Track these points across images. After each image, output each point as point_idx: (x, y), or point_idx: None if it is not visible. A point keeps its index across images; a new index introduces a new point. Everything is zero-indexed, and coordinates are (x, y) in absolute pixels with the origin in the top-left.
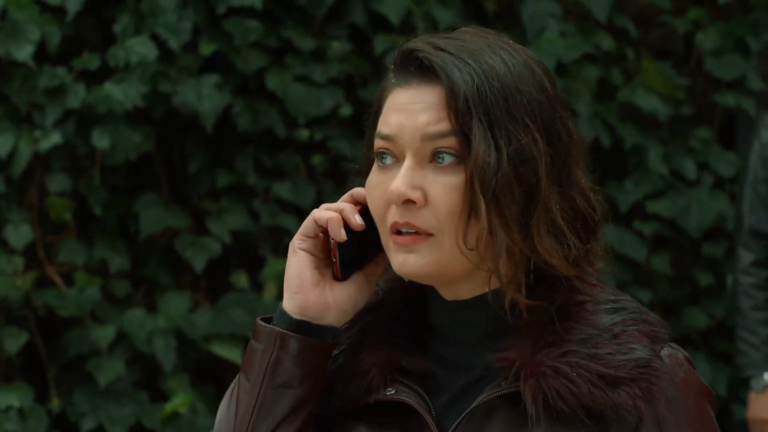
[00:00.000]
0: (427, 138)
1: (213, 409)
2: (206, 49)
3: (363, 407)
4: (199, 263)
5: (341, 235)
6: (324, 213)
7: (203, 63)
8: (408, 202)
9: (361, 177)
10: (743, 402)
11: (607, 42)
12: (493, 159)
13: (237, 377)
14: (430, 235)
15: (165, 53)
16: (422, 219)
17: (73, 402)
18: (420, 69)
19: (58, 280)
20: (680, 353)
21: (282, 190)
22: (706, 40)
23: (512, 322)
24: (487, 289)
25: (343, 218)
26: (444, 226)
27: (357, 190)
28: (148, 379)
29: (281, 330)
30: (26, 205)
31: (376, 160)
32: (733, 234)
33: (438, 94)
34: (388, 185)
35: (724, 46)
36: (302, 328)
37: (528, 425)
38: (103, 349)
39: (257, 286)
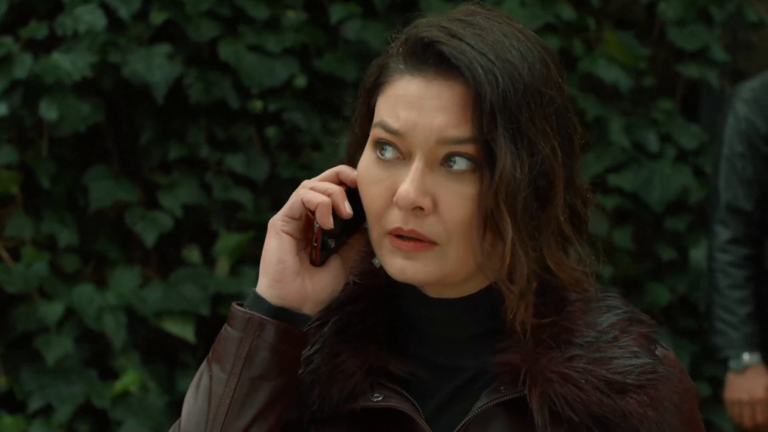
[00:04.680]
0: (443, 141)
1: (164, 387)
2: (157, 18)
3: (345, 414)
4: (149, 237)
5: (330, 222)
6: (314, 196)
7: (154, 32)
8: (415, 208)
9: (317, 151)
10: (706, 379)
11: (567, 12)
12: (519, 172)
13: (204, 366)
14: (434, 243)
15: (114, 22)
16: (428, 227)
17: (21, 380)
18: (438, 61)
19: (4, 255)
20: (671, 353)
21: (235, 162)
22: (669, 9)
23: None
24: (477, 290)
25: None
26: (452, 235)
27: (344, 171)
28: (98, 357)
29: (260, 316)
30: None
31: (372, 148)
32: (696, 208)
33: (458, 94)
34: (390, 183)
35: (686, 16)
36: (280, 315)
37: None
38: (52, 326)
39: (210, 261)
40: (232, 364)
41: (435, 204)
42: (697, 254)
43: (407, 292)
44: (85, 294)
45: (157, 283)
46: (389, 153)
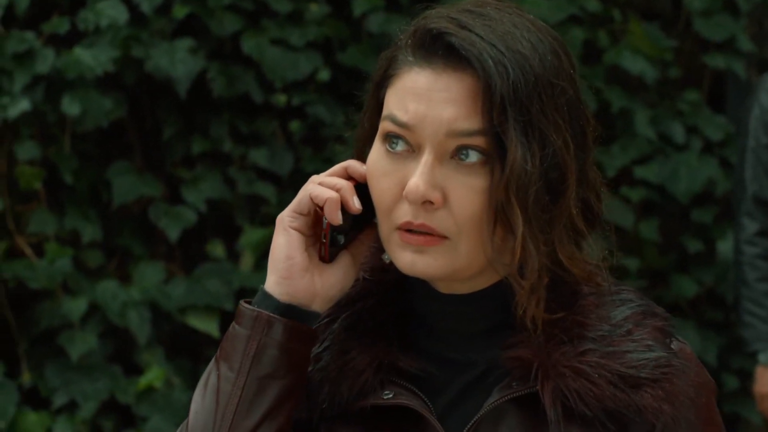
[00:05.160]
0: (453, 134)
1: (189, 383)
2: (179, 12)
3: (355, 411)
4: (173, 233)
5: (338, 218)
6: (322, 191)
7: (176, 26)
8: (425, 202)
9: (341, 145)
10: (734, 372)
11: (592, 3)
12: (530, 165)
13: (212, 364)
14: (444, 237)
15: (136, 16)
16: (438, 221)
17: (45, 376)
18: (447, 52)
19: (28, 251)
20: (687, 347)
21: (259, 156)
22: (695, 0)
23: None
24: (488, 284)
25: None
26: (462, 229)
27: (353, 166)
28: (122, 353)
29: (268, 314)
30: None
31: (382, 141)
32: (723, 200)
33: (467, 86)
34: (400, 176)
35: (712, 7)
36: (289, 312)
37: (544, 429)
38: (75, 322)
39: (233, 256)
40: (240, 363)
41: (445, 197)
42: (724, 246)
43: (417, 287)
44: (108, 290)
45: (181, 278)
46: (399, 146)
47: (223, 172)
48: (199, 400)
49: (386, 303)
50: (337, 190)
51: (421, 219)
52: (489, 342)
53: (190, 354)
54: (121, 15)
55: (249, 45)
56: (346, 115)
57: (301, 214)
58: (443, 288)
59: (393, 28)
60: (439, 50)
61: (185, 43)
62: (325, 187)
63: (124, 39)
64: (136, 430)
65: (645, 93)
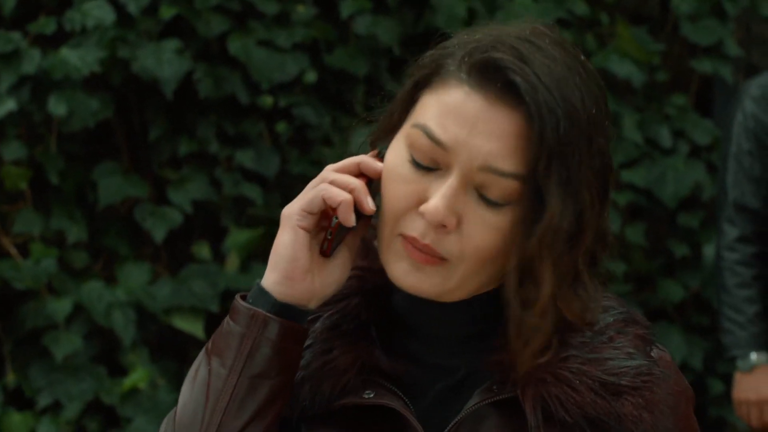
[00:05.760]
0: (487, 169)
1: (174, 384)
2: (166, 12)
3: (335, 411)
4: (159, 233)
5: (353, 220)
6: (336, 193)
7: (163, 27)
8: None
9: (327, 147)
10: (719, 376)
11: (580, 6)
12: (566, 222)
13: (202, 357)
14: (444, 259)
15: (123, 17)
16: (444, 244)
17: (29, 377)
18: (505, 86)
19: (13, 251)
20: (667, 354)
21: (245, 158)
22: (682, 4)
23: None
24: (475, 294)
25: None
26: (465, 257)
27: (366, 162)
28: (107, 354)
29: (265, 313)
30: None
31: (407, 147)
32: (710, 204)
33: (515, 125)
34: (418, 189)
35: (700, 11)
36: (285, 312)
37: None
38: (60, 323)
39: (219, 257)
40: (233, 360)
41: (459, 223)
42: (711, 250)
43: (402, 290)
44: (94, 290)
45: (166, 279)
46: (423, 161)
47: (210, 173)
48: (188, 392)
49: (370, 304)
50: (350, 191)
51: (428, 240)
52: (471, 347)
53: (175, 355)
54: (108, 15)
55: (236, 46)
56: (333, 116)
57: (310, 213)
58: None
59: (380, 30)
60: (498, 82)
61: (172, 44)
62: (338, 187)
63: (110, 40)
64: (120, 430)
65: (632, 97)
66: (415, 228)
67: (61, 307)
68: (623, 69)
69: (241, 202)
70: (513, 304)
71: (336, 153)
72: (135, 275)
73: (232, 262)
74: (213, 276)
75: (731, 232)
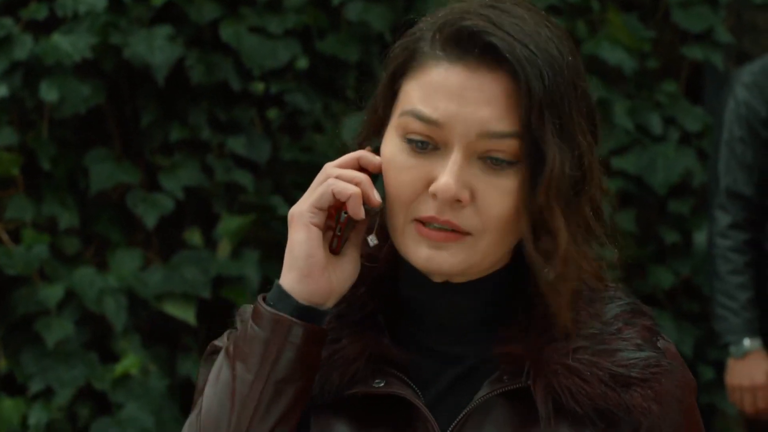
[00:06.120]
0: (486, 135)
1: (165, 370)
2: None
3: (345, 400)
4: (150, 220)
5: (362, 213)
6: (345, 187)
7: (155, 13)
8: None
9: (318, 134)
10: (710, 363)
11: None
12: (567, 168)
13: (224, 360)
14: (467, 234)
15: (115, 3)
16: (463, 218)
17: (21, 363)
18: (483, 51)
19: (5, 237)
20: (672, 346)
21: (237, 144)
22: None
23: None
24: (482, 275)
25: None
26: (487, 227)
27: (365, 157)
28: (98, 340)
29: (289, 318)
30: None
31: (400, 135)
32: (700, 191)
33: (502, 86)
34: (423, 171)
35: None
36: (307, 315)
37: (534, 424)
38: (52, 309)
39: (211, 244)
40: (258, 366)
41: (473, 196)
42: (701, 237)
43: (408, 276)
44: (85, 276)
45: (158, 265)
46: (421, 143)
47: (201, 160)
48: (212, 396)
49: (375, 292)
50: (357, 184)
51: (446, 216)
52: (479, 336)
53: (166, 341)
54: (100, 2)
55: (227, 33)
56: (325, 103)
57: (321, 209)
58: (437, 277)
59: (371, 17)
60: (476, 48)
61: (164, 31)
62: (344, 181)
63: (102, 26)
64: (111, 416)
65: (623, 84)
66: (429, 208)
67: (52, 293)
68: (614, 56)
69: (233, 188)
70: (535, 261)
71: (327, 139)
72: (127, 261)
73: (224, 248)
74: (204, 262)
75: (724, 218)
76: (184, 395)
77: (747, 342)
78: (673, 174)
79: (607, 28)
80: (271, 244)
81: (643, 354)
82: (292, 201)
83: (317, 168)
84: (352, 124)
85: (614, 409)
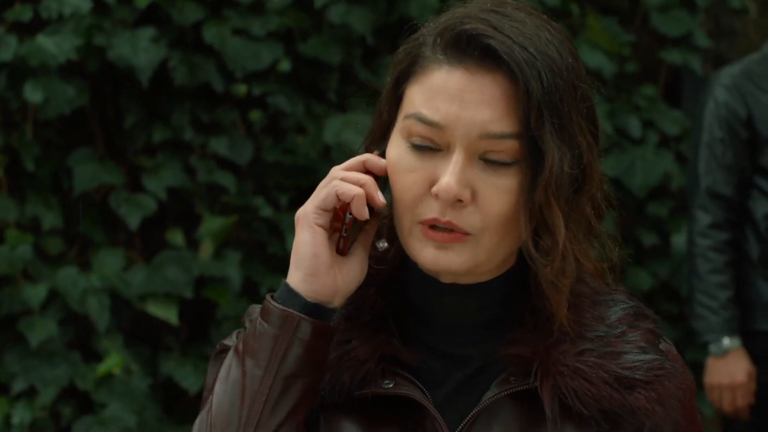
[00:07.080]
0: (486, 136)
1: (147, 370)
2: (142, 1)
3: (355, 401)
4: (133, 220)
5: (366, 213)
6: (349, 188)
7: (139, 15)
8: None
9: (300, 136)
10: (688, 364)
11: None
12: (566, 167)
13: (233, 357)
14: (467, 234)
15: (99, 5)
16: (464, 219)
17: (4, 362)
18: (482, 54)
19: None
20: (673, 348)
21: (219, 146)
22: None
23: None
24: (490, 277)
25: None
26: (488, 226)
27: (371, 160)
28: (82, 339)
29: (298, 314)
30: None
31: (404, 138)
32: (678, 194)
33: (501, 88)
34: (426, 173)
35: (670, 2)
36: (315, 312)
37: (540, 425)
38: (35, 308)
39: (193, 245)
40: (267, 361)
41: (473, 195)
42: (679, 239)
43: (416, 277)
44: (69, 276)
45: (140, 265)
46: (424, 145)
47: (184, 161)
48: (222, 393)
49: (384, 293)
50: (361, 185)
51: (448, 216)
52: (486, 337)
53: (149, 341)
54: (84, 3)
55: (210, 34)
56: (307, 105)
57: (325, 210)
58: (445, 278)
59: (354, 20)
60: (475, 51)
61: (147, 32)
62: (349, 182)
63: (86, 27)
64: (94, 416)
65: (602, 87)
66: (432, 210)
67: (36, 293)
68: (594, 60)
69: (215, 189)
70: (535, 258)
71: (309, 141)
72: (110, 262)
73: (206, 249)
74: (187, 263)
75: (704, 218)
76: (167, 395)
77: (727, 341)
78: (651, 177)
79: (587, 32)
80: (253, 245)
81: (647, 357)
82: (274, 202)
83: (299, 169)
84: (334, 126)
85: (619, 410)
